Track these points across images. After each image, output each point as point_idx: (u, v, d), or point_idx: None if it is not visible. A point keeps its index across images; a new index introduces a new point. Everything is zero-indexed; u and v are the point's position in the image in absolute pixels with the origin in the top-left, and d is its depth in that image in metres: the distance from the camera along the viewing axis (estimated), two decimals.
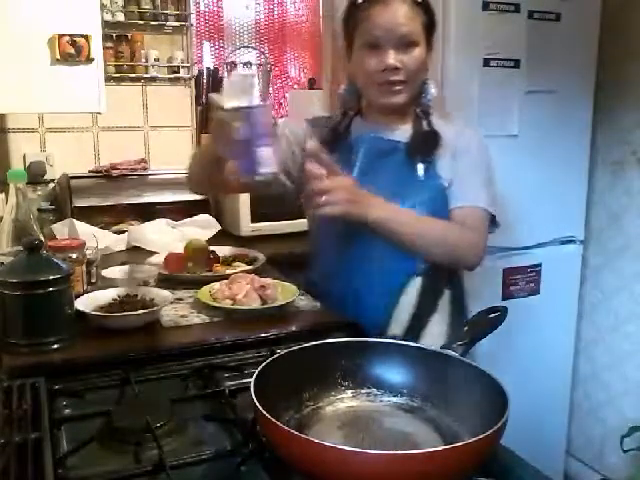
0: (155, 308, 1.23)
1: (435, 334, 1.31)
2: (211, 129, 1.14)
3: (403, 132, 1.36)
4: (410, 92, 1.33)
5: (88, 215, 2.06)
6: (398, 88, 1.30)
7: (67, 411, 0.91)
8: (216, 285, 1.39)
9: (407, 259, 1.30)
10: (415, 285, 1.32)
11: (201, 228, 2.05)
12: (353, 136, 1.39)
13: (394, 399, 0.87)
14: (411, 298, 1.32)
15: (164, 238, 1.91)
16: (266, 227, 2.26)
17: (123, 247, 1.93)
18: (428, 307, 1.33)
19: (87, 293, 1.31)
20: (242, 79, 1.09)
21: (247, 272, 1.48)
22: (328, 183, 1.15)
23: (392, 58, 1.27)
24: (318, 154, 1.16)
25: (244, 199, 2.23)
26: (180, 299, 1.39)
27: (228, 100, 1.04)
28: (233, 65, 2.63)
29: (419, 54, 1.29)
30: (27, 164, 2.34)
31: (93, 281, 1.44)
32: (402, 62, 1.28)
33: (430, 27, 1.33)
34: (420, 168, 1.32)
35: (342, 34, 1.38)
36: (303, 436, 0.68)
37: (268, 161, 1.04)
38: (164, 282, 1.47)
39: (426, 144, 1.33)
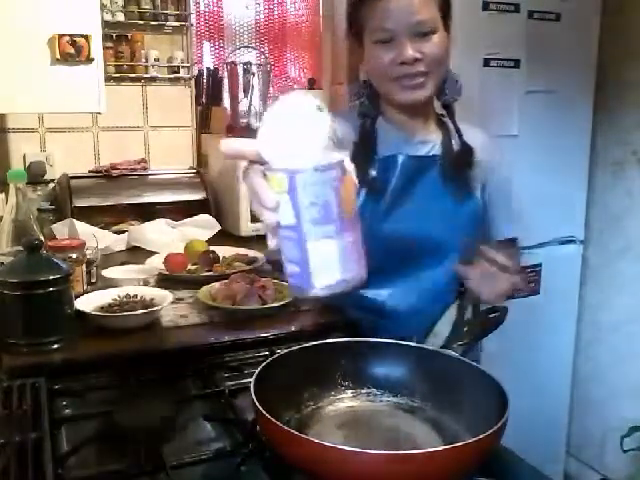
0: (155, 308, 1.23)
1: (436, 334, 1.28)
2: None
3: (433, 144, 1.25)
4: (434, 84, 1.18)
5: (88, 215, 2.06)
6: (420, 81, 1.16)
7: (67, 411, 0.91)
8: (216, 285, 1.39)
9: (442, 284, 1.22)
10: (454, 308, 1.21)
11: (201, 228, 2.05)
12: (382, 149, 1.23)
13: (394, 399, 0.87)
14: (449, 321, 1.20)
15: (164, 238, 1.91)
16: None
17: (123, 247, 1.93)
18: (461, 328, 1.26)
19: (87, 293, 1.31)
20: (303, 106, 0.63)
21: (247, 272, 1.48)
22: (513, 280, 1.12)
23: (410, 49, 1.12)
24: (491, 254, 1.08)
25: (244, 199, 2.23)
26: (180, 299, 1.38)
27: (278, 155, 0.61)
28: (233, 65, 2.63)
29: (439, 41, 1.15)
30: (27, 164, 2.33)
31: (93, 281, 1.44)
32: (421, 52, 1.13)
33: (447, 9, 1.18)
34: (456, 187, 1.23)
35: (348, 33, 1.26)
36: (303, 436, 0.68)
37: (349, 262, 0.64)
38: (164, 282, 1.47)
39: (460, 162, 1.23)
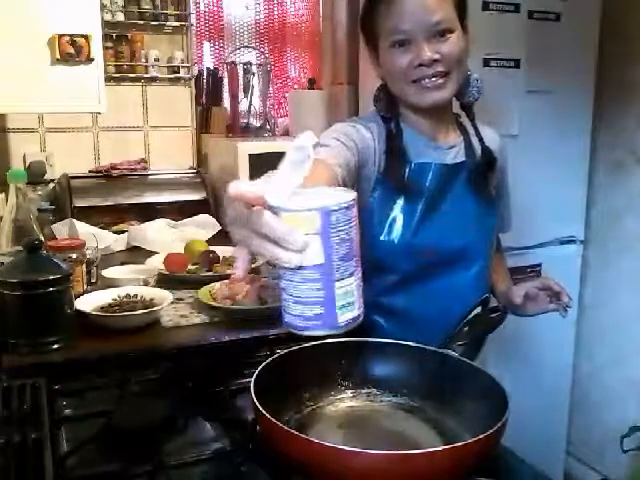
0: (155, 308, 1.23)
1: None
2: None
3: (458, 148, 1.23)
4: (454, 85, 1.15)
5: (88, 215, 2.06)
6: (440, 82, 1.12)
7: (67, 411, 0.91)
8: (216, 285, 1.39)
9: (469, 291, 1.20)
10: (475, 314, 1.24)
11: (201, 228, 2.05)
12: (412, 156, 1.19)
13: (394, 399, 0.87)
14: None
15: (164, 238, 1.91)
16: None
17: (123, 247, 1.93)
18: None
19: (87, 293, 1.31)
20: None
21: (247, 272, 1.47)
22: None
23: (428, 51, 1.09)
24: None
25: None
26: (180, 299, 1.39)
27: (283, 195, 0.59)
28: (233, 65, 2.63)
29: (457, 40, 1.12)
30: (27, 164, 2.33)
31: (93, 281, 1.44)
32: (439, 52, 1.10)
33: (463, 7, 1.16)
34: (481, 192, 1.24)
35: (362, 36, 1.23)
36: (303, 436, 0.68)
37: (361, 298, 0.64)
38: (164, 282, 1.47)
39: (484, 167, 1.24)
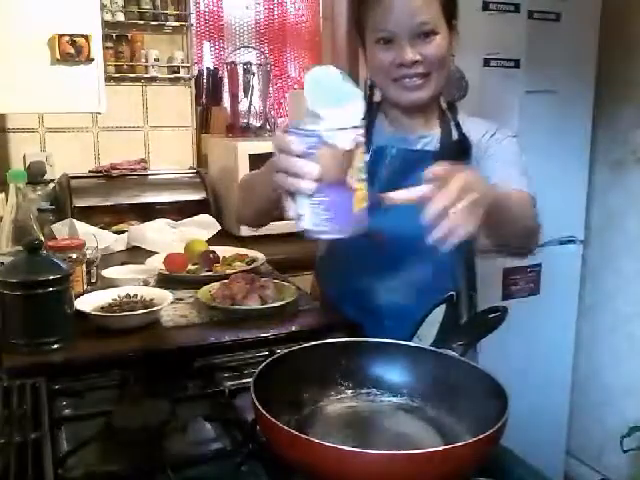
0: (155, 308, 1.23)
1: (421, 336, 1.22)
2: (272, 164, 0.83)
3: (431, 138, 1.23)
4: (434, 86, 1.16)
5: (88, 215, 2.06)
6: (419, 82, 1.14)
7: (67, 411, 0.91)
8: (216, 285, 1.39)
9: (429, 287, 1.19)
10: (440, 311, 1.21)
11: (201, 228, 2.05)
12: (375, 141, 1.23)
13: (394, 399, 0.87)
14: (434, 324, 1.21)
15: (164, 238, 1.91)
16: (266, 227, 2.25)
17: (123, 247, 1.93)
18: (449, 332, 1.16)
19: (87, 293, 1.31)
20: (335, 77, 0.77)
21: (247, 272, 1.48)
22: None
23: (409, 52, 1.11)
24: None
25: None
26: (180, 299, 1.38)
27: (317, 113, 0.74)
28: (233, 65, 2.63)
29: (440, 42, 1.12)
30: (27, 164, 2.33)
31: (93, 281, 1.44)
32: (421, 54, 1.12)
33: (451, 8, 1.15)
34: None
35: (350, 31, 1.27)
36: (303, 436, 0.68)
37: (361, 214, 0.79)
38: (164, 282, 1.47)
39: (456, 156, 1.17)
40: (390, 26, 1.11)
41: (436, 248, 1.18)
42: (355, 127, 0.74)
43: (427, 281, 1.20)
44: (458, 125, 1.24)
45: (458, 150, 1.21)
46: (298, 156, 0.74)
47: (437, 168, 0.84)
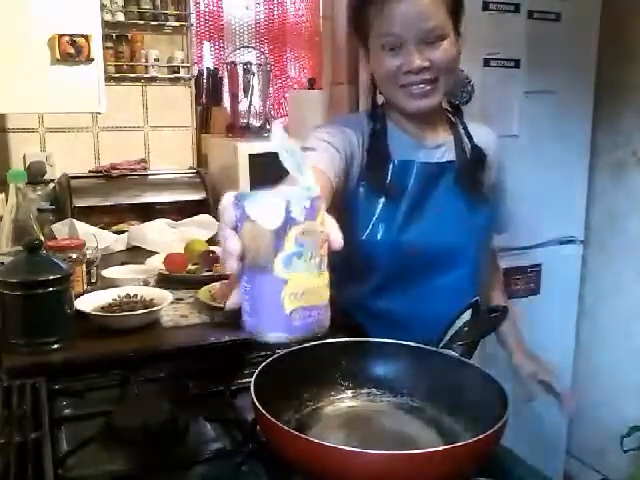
0: (155, 308, 1.23)
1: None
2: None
3: (446, 147, 1.21)
4: (443, 91, 1.13)
5: (88, 215, 2.06)
6: (428, 88, 1.11)
7: (67, 411, 0.91)
8: (216, 285, 1.39)
9: (455, 295, 1.14)
10: (466, 317, 1.14)
11: (201, 228, 2.05)
12: (397, 155, 1.18)
13: (394, 399, 0.87)
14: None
15: (164, 238, 1.91)
16: None
17: (123, 247, 1.93)
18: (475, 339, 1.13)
19: (87, 293, 1.31)
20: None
21: None
22: None
23: (417, 58, 1.07)
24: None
25: None
26: (180, 299, 1.38)
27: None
28: (233, 65, 2.64)
29: (449, 47, 1.09)
30: (27, 164, 2.34)
31: (93, 281, 1.44)
32: (430, 60, 1.08)
33: (457, 11, 1.12)
34: (470, 192, 1.19)
35: (352, 32, 1.21)
36: (303, 436, 0.68)
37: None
38: (164, 282, 1.47)
39: (473, 166, 1.20)
40: (397, 31, 1.07)
41: (463, 260, 1.20)
42: (289, 209, 0.58)
43: (454, 292, 1.18)
44: (468, 132, 1.23)
45: (473, 159, 1.21)
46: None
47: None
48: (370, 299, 1.23)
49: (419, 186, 1.17)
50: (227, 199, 0.64)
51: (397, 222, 1.17)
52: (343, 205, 1.13)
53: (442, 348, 0.88)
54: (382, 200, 1.16)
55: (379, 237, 1.17)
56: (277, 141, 0.61)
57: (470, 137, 1.22)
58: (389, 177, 1.16)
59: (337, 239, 0.61)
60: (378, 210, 1.16)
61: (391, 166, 1.16)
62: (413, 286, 1.20)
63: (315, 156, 1.03)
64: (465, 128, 1.23)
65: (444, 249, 1.19)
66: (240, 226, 0.60)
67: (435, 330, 1.04)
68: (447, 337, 1.08)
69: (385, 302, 1.22)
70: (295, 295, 0.59)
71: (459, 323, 1.10)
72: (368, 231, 1.17)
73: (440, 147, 1.21)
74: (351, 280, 1.26)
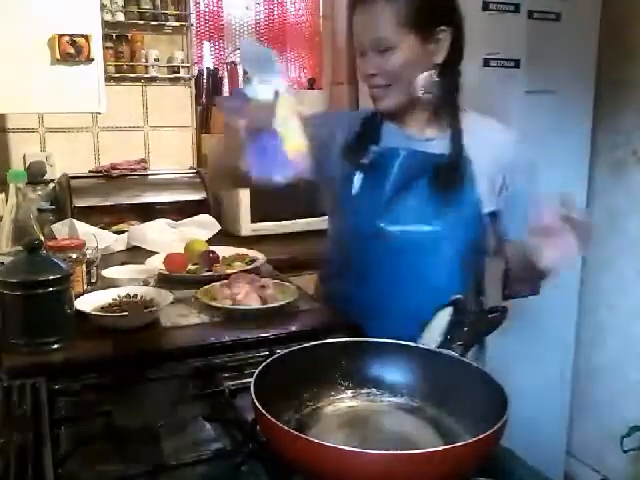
0: (155, 308, 1.23)
1: (425, 341, 1.21)
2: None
3: (440, 140, 1.25)
4: (399, 95, 1.22)
5: (88, 215, 2.06)
6: (381, 93, 1.23)
7: (67, 411, 0.91)
8: (216, 285, 1.39)
9: (432, 289, 1.18)
10: (445, 315, 1.15)
11: (201, 228, 2.05)
12: (385, 143, 1.27)
13: (394, 399, 0.87)
14: (439, 328, 1.14)
15: (164, 238, 1.91)
16: (266, 227, 2.26)
17: (123, 247, 1.93)
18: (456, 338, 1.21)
19: (87, 293, 1.31)
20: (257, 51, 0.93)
21: (247, 272, 1.48)
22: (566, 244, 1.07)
23: (370, 64, 1.21)
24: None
25: (244, 199, 2.23)
26: (180, 299, 1.38)
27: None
28: (233, 65, 2.63)
29: (401, 56, 1.18)
30: (27, 164, 2.34)
31: (93, 281, 1.44)
32: (379, 67, 1.20)
33: (421, 18, 1.17)
34: (457, 185, 1.23)
35: (351, 33, 1.28)
36: (303, 436, 0.68)
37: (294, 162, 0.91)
38: (164, 282, 1.47)
39: (461, 167, 1.23)
40: (358, 39, 1.22)
41: (445, 252, 1.20)
42: (271, 82, 0.89)
43: (434, 284, 1.21)
44: (459, 131, 1.25)
45: (463, 162, 1.23)
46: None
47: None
48: (351, 287, 1.29)
49: (404, 174, 1.23)
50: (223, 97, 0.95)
51: (378, 207, 1.23)
52: (332, 191, 1.31)
53: (440, 348, 0.88)
54: (367, 186, 1.25)
55: (360, 221, 1.26)
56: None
57: (459, 136, 1.24)
58: (373, 160, 1.25)
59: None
60: (362, 196, 1.25)
61: (378, 150, 1.25)
62: (393, 275, 1.25)
63: None
64: (457, 127, 1.25)
65: (420, 239, 1.22)
66: (241, 107, 0.89)
67: (410, 324, 1.05)
68: (427, 335, 1.09)
69: (367, 291, 1.27)
70: (289, 143, 0.88)
71: (440, 322, 1.09)
72: (352, 216, 1.27)
73: (430, 140, 1.26)
74: (341, 272, 1.35)
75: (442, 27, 1.19)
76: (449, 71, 1.24)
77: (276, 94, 0.88)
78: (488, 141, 1.26)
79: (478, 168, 1.24)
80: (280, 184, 0.91)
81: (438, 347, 1.03)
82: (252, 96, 0.89)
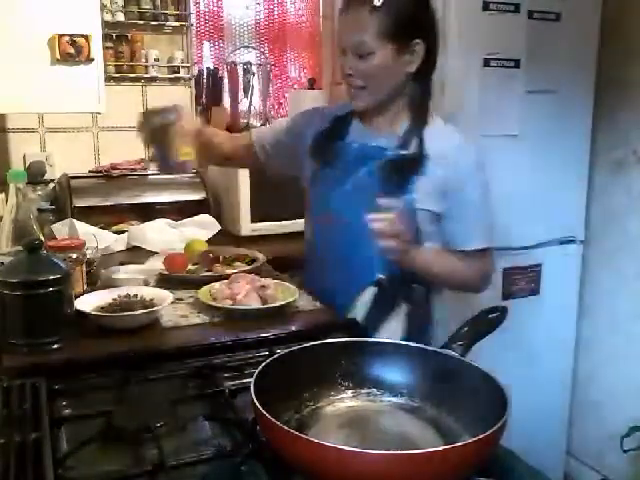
0: (155, 308, 1.23)
1: (388, 336, 1.26)
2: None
3: (391, 136, 1.36)
4: (372, 97, 1.34)
5: (88, 215, 2.06)
6: (356, 93, 1.35)
7: (67, 411, 0.91)
8: (216, 285, 1.39)
9: (366, 269, 1.33)
10: (370, 293, 1.35)
11: (201, 228, 2.05)
12: (348, 139, 1.42)
13: (394, 399, 0.87)
14: (364, 304, 1.35)
15: (164, 238, 1.91)
16: (266, 227, 2.26)
17: (123, 247, 1.93)
18: (379, 315, 1.34)
19: (87, 293, 1.31)
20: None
21: (247, 272, 1.48)
22: (391, 230, 1.19)
23: (349, 64, 1.32)
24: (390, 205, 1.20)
25: (244, 199, 2.23)
26: (180, 299, 1.38)
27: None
28: (233, 65, 2.64)
29: (377, 61, 1.29)
30: (27, 164, 2.34)
31: (93, 281, 1.44)
32: (357, 69, 1.31)
33: (400, 31, 1.29)
34: (392, 186, 1.32)
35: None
36: (303, 436, 0.68)
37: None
38: (164, 282, 1.47)
39: (406, 165, 1.33)
40: (340, 40, 1.35)
41: (370, 235, 1.28)
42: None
43: (360, 263, 1.34)
44: (422, 139, 1.34)
45: (410, 161, 1.33)
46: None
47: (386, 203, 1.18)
48: (307, 268, 1.51)
49: (350, 161, 1.38)
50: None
51: (330, 189, 1.40)
52: (305, 182, 1.49)
53: (441, 348, 0.88)
54: (324, 176, 1.42)
55: (318, 202, 1.45)
56: None
57: (421, 140, 1.34)
58: (334, 153, 1.40)
59: None
60: (320, 184, 1.44)
61: (336, 145, 1.41)
62: (329, 257, 1.41)
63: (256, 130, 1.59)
64: (420, 131, 1.35)
65: (358, 222, 1.27)
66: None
67: (343, 301, 1.33)
68: (354, 309, 1.33)
69: (316, 273, 1.47)
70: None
71: (366, 297, 1.34)
72: (314, 197, 1.47)
73: (383, 136, 1.38)
74: (306, 256, 1.56)
75: (417, 40, 1.31)
76: (421, 79, 1.36)
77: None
78: (444, 147, 1.33)
79: (429, 168, 1.32)
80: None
81: (363, 320, 1.30)
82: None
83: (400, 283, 1.35)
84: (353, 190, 1.36)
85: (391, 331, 1.31)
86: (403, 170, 1.33)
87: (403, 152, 1.34)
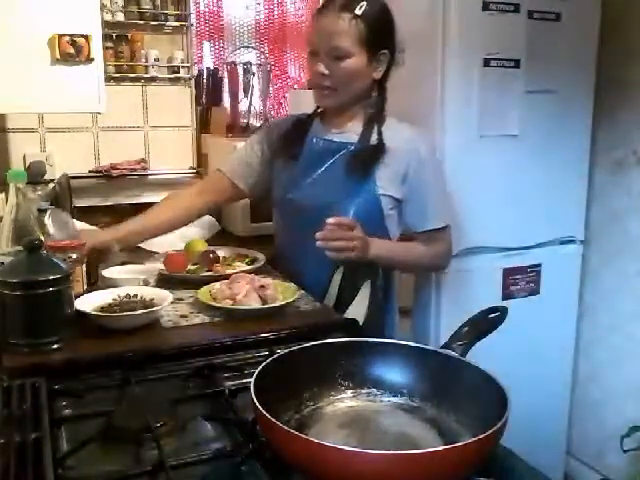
0: (155, 308, 1.23)
1: (353, 315, 1.41)
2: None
3: (351, 133, 1.51)
4: (340, 98, 1.47)
5: (88, 215, 2.06)
6: (326, 93, 1.46)
7: (67, 411, 0.91)
8: (216, 285, 1.39)
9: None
10: (339, 274, 1.50)
11: (201, 228, 2.05)
12: (309, 136, 1.55)
13: (394, 399, 0.87)
14: (335, 284, 1.50)
15: (164, 238, 1.90)
16: (266, 227, 2.25)
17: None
18: (349, 292, 1.50)
19: (87, 293, 1.31)
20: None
21: (247, 272, 1.48)
22: (349, 235, 1.33)
23: (322, 65, 1.43)
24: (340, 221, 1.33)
25: (244, 199, 2.23)
26: (180, 299, 1.39)
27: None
28: (233, 65, 2.63)
29: (351, 65, 1.42)
30: (27, 164, 2.34)
31: (93, 281, 1.44)
32: (331, 70, 1.42)
33: (373, 40, 1.42)
34: (358, 174, 1.46)
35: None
36: (303, 436, 0.68)
37: None
38: (164, 282, 1.47)
39: (369, 155, 1.47)
40: (314, 41, 1.44)
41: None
42: None
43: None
44: (380, 132, 1.48)
45: (372, 151, 1.47)
46: None
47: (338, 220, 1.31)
48: (279, 254, 1.64)
49: (313, 156, 1.52)
50: None
51: (294, 182, 1.52)
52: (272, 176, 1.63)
53: (441, 348, 0.88)
54: (290, 167, 1.55)
55: (282, 195, 1.56)
56: None
57: (381, 137, 1.47)
58: (297, 149, 1.54)
59: None
60: (286, 175, 1.56)
61: (301, 141, 1.54)
62: (300, 243, 1.47)
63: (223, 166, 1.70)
64: (379, 130, 1.48)
65: (324, 210, 1.40)
66: None
67: (317, 284, 1.48)
68: (327, 292, 1.50)
69: (287, 258, 1.60)
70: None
71: (334, 282, 1.50)
72: (278, 192, 1.59)
73: (344, 133, 1.52)
74: (278, 245, 1.69)
75: (384, 50, 1.45)
76: (380, 85, 1.50)
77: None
78: (401, 138, 1.49)
79: (389, 158, 1.46)
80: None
81: (337, 301, 1.49)
82: None
83: (363, 265, 1.46)
84: (317, 181, 1.50)
85: (356, 309, 1.48)
86: (366, 161, 1.46)
87: (365, 144, 1.47)
